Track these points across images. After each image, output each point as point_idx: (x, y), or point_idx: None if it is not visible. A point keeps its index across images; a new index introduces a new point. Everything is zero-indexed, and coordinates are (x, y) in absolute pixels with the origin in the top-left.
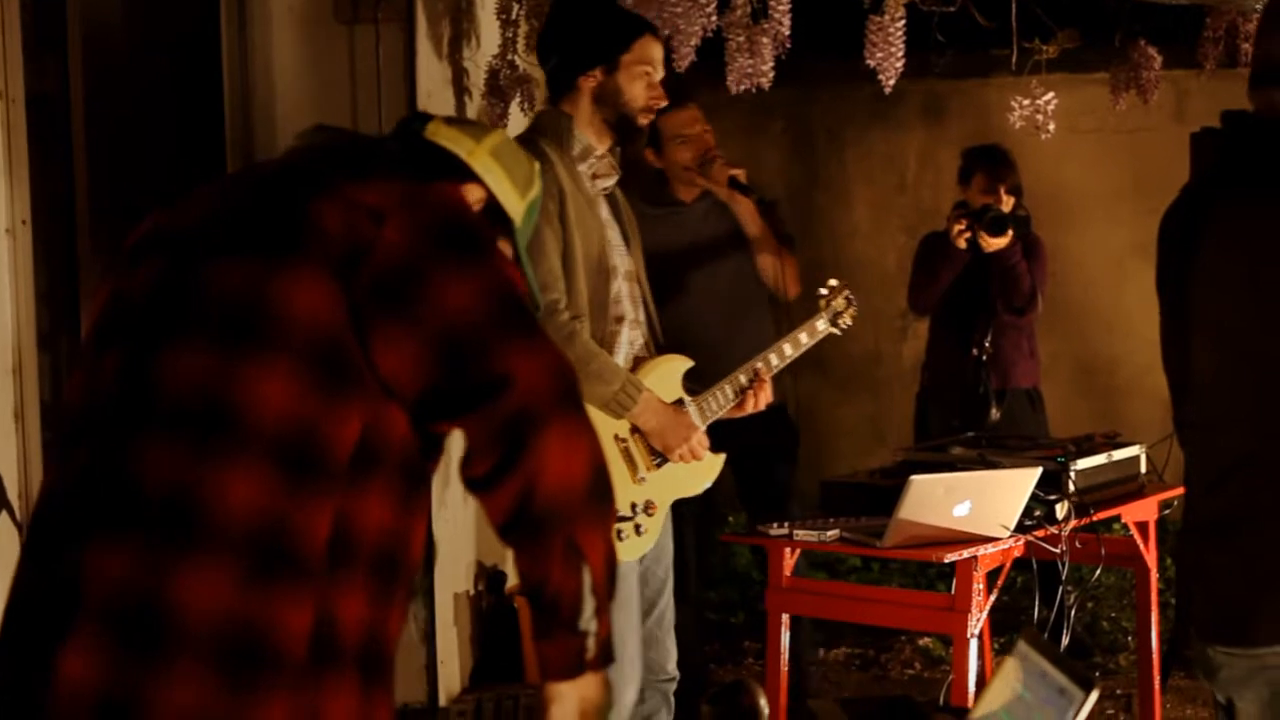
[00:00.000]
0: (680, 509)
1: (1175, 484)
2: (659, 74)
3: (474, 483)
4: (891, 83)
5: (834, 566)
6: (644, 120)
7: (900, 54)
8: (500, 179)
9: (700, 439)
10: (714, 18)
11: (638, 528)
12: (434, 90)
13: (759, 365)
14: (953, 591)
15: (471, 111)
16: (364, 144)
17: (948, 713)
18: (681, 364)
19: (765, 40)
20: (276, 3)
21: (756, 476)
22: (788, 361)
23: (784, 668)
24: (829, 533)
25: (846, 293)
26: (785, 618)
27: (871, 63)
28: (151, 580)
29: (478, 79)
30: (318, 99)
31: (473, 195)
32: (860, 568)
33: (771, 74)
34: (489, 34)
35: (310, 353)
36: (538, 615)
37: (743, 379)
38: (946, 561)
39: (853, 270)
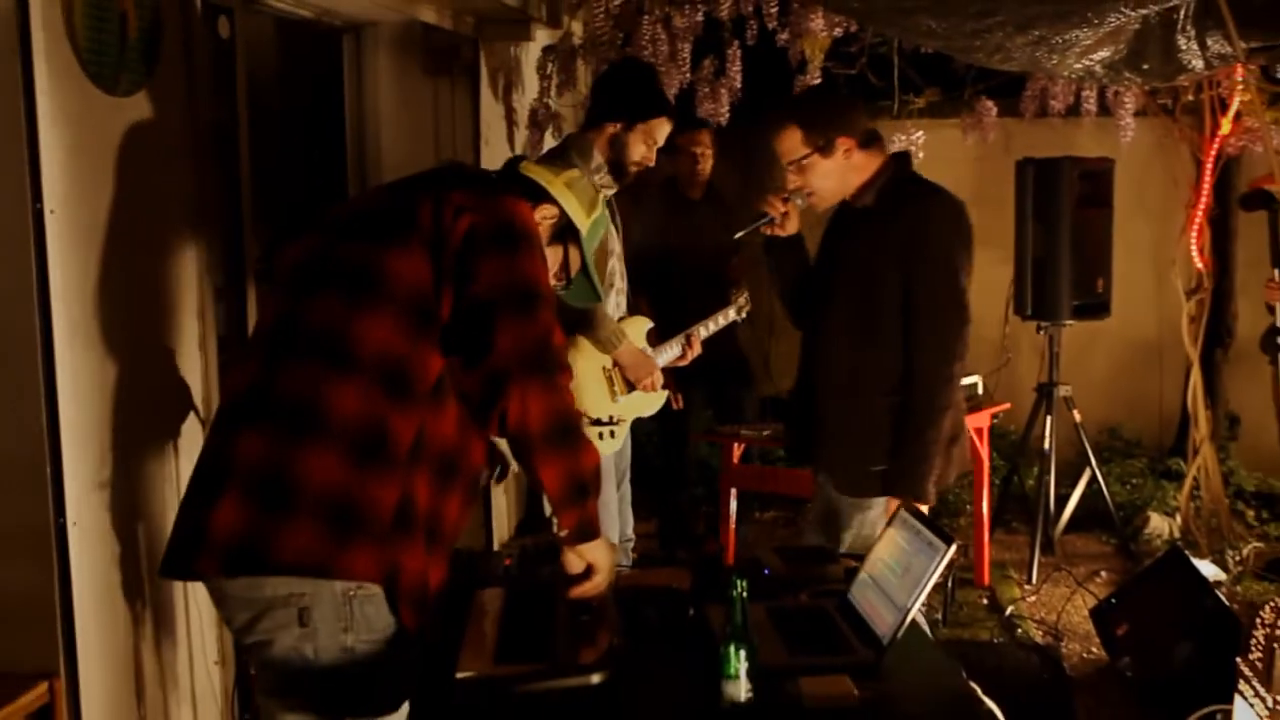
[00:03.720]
0: (682, 428)
1: (1002, 402)
2: (659, 144)
3: (471, 412)
4: None
5: (766, 456)
6: (632, 170)
7: None
8: (571, 202)
9: (657, 376)
10: (688, 74)
11: (612, 433)
12: (491, 123)
13: (691, 333)
14: None
15: (518, 139)
16: (472, 171)
17: (848, 557)
18: (645, 323)
19: (723, 90)
20: (386, 58)
21: (722, 397)
22: (710, 334)
23: (732, 525)
24: (764, 432)
25: (746, 293)
26: (734, 491)
27: None
28: (282, 458)
29: (522, 116)
30: (410, 130)
31: (549, 213)
32: (783, 456)
33: (727, 113)
34: (530, 83)
35: (407, 305)
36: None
37: (683, 340)
38: None
39: None
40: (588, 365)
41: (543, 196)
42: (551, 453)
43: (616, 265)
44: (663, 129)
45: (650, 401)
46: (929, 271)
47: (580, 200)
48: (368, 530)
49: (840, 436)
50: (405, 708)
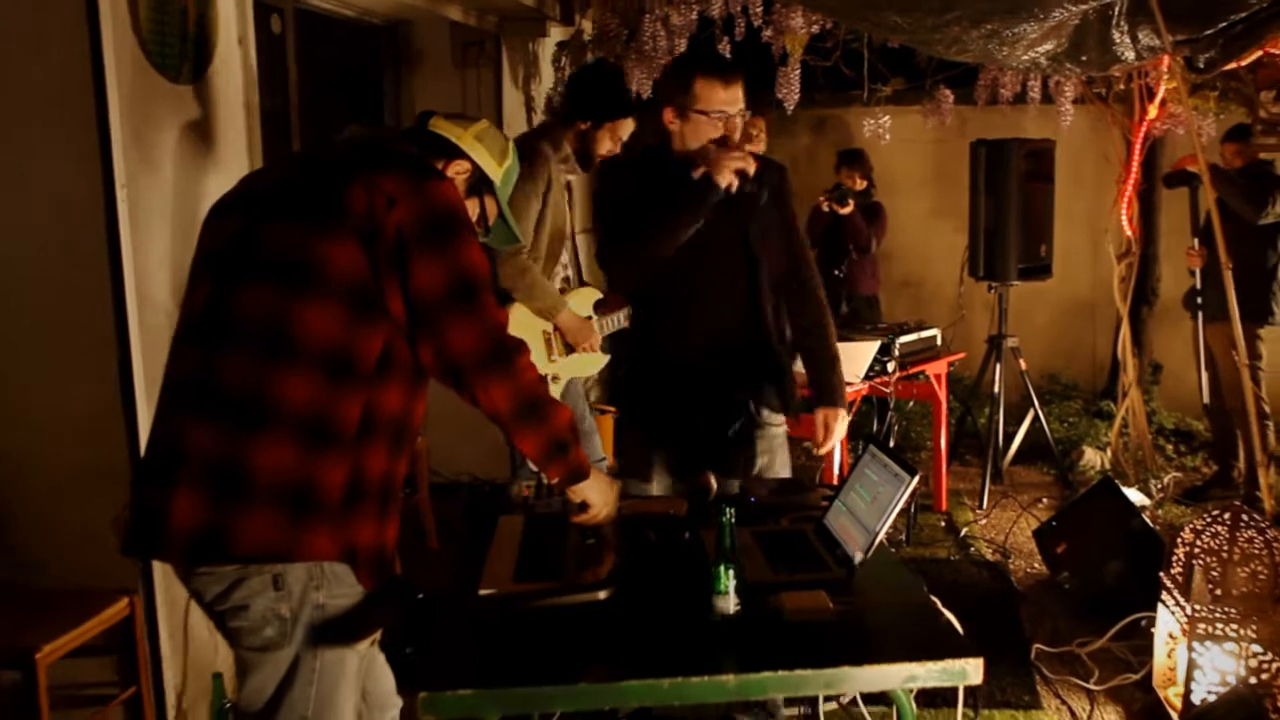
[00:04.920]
0: None
1: (958, 352)
2: (624, 139)
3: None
4: (791, 108)
5: None
6: (597, 162)
7: (797, 91)
8: (482, 154)
9: (595, 340)
10: None
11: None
12: (513, 110)
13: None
14: None
15: (535, 123)
16: (386, 140)
17: (824, 487)
18: (594, 294)
19: None
20: (418, 52)
21: None
22: None
23: None
24: None
25: None
26: None
27: (779, 95)
28: (233, 449)
29: (539, 102)
30: None
31: (462, 168)
32: None
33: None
34: (546, 74)
35: (347, 294)
36: None
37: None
38: None
39: None
40: (527, 327)
41: (455, 153)
42: (523, 426)
43: (568, 244)
44: (627, 127)
45: (590, 362)
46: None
47: (491, 150)
48: (322, 512)
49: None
50: (375, 633)
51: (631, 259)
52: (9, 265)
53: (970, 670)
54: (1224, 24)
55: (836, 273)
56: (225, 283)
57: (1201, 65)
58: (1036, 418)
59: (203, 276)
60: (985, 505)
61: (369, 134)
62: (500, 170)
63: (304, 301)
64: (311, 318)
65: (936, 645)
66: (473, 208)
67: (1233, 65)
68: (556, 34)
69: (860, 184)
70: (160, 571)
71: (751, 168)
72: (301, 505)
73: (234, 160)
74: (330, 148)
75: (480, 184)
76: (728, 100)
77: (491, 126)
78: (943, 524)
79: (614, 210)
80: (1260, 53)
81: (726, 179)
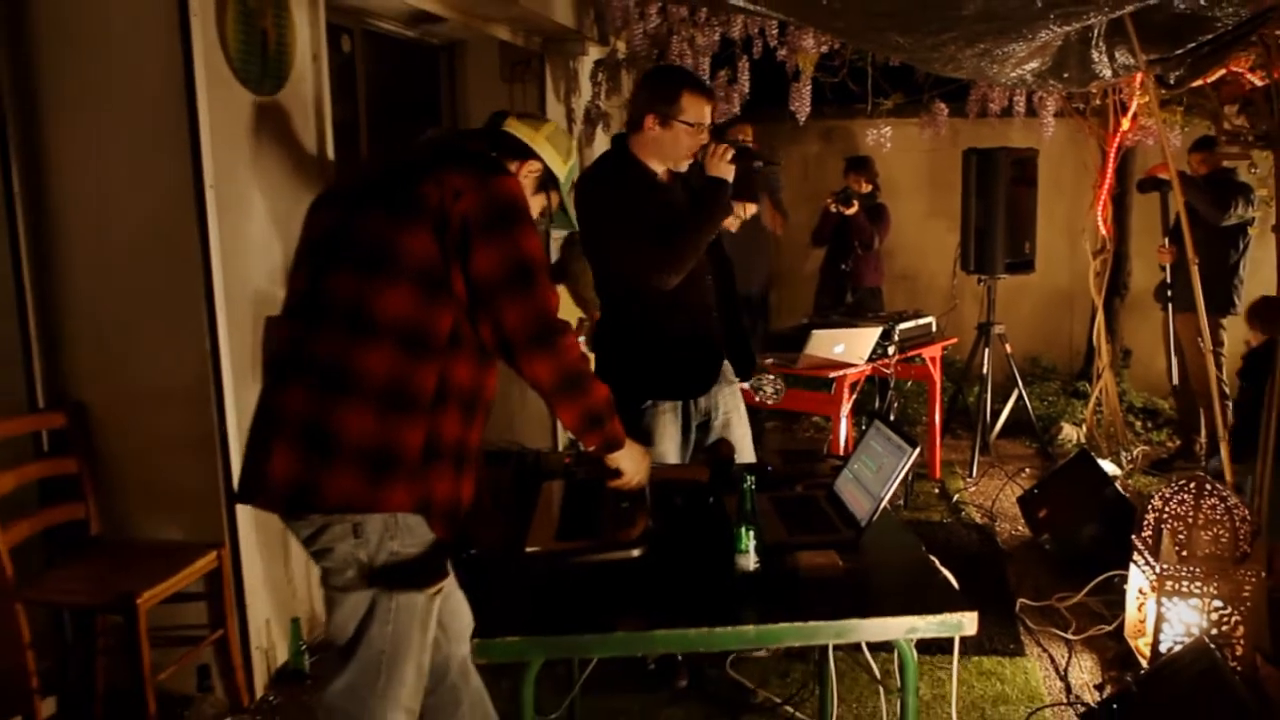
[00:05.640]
0: None
1: (950, 337)
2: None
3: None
4: (803, 119)
5: None
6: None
7: (808, 104)
8: (551, 155)
9: None
10: (708, 81)
11: None
12: (554, 120)
13: None
14: (832, 392)
15: (574, 133)
16: (463, 140)
17: (833, 458)
18: None
19: (735, 94)
20: (472, 69)
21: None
22: None
23: None
24: (768, 360)
25: None
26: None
27: (793, 108)
28: (322, 413)
29: (579, 114)
30: None
31: (534, 168)
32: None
33: (738, 111)
34: (585, 89)
35: (419, 277)
36: None
37: None
38: (830, 376)
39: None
40: (566, 313)
41: (527, 154)
42: (563, 399)
43: None
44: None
45: None
46: None
47: (559, 151)
48: (401, 468)
49: None
50: (443, 581)
51: (686, 269)
52: (121, 252)
53: (966, 622)
54: (1192, 44)
55: (843, 266)
56: (321, 267)
57: (1172, 82)
58: (1020, 396)
59: (304, 262)
60: (974, 474)
61: (447, 135)
62: (565, 169)
63: (382, 284)
64: (389, 298)
65: (935, 600)
66: (539, 202)
67: (1200, 82)
68: (594, 53)
69: (866, 187)
70: (244, 528)
71: (732, 151)
72: (381, 464)
73: (308, 164)
74: (412, 149)
75: (548, 181)
76: (706, 116)
77: (560, 128)
78: (936, 491)
79: (640, 231)
80: (1224, 70)
81: (726, 171)
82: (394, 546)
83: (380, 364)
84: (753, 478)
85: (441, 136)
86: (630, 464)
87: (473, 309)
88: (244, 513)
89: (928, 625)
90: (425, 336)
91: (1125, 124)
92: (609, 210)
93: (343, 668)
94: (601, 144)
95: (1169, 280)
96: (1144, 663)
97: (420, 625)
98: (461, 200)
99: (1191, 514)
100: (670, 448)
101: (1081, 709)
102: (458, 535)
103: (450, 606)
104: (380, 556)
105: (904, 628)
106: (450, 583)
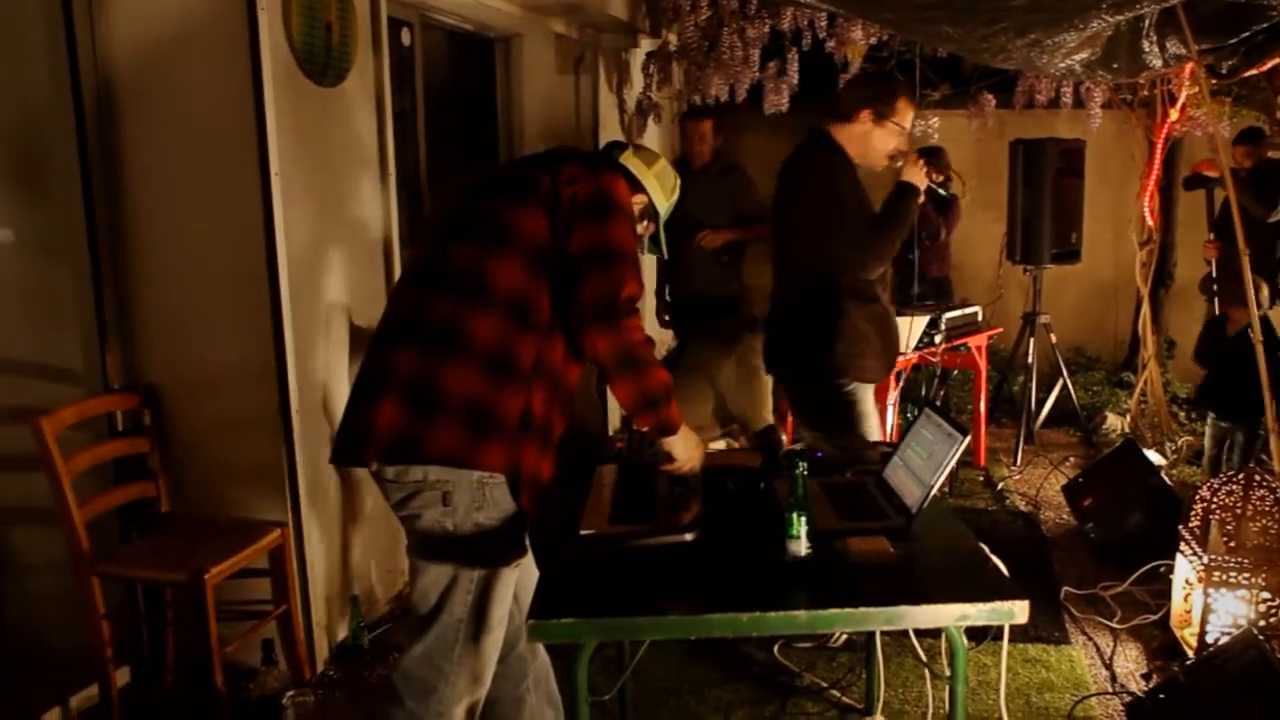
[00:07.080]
0: None
1: (996, 327)
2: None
3: (569, 342)
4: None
5: None
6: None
7: None
8: (656, 191)
9: None
10: (757, 73)
11: None
12: (606, 112)
13: None
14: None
15: (627, 122)
16: (582, 152)
17: (883, 445)
18: None
19: (784, 86)
20: (528, 61)
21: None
22: None
23: (791, 421)
24: None
25: None
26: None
27: None
28: (431, 371)
29: (630, 105)
30: (546, 116)
31: (640, 200)
32: None
33: (787, 104)
34: (637, 80)
35: (530, 253)
36: None
37: None
38: None
39: None
40: None
41: (638, 187)
42: (620, 376)
43: None
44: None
45: None
46: None
47: (664, 187)
48: (499, 430)
49: None
50: (520, 561)
51: (889, 260)
52: (191, 240)
53: (1017, 610)
54: (1246, 34)
55: (910, 256)
56: (443, 240)
57: (1224, 72)
58: (1064, 386)
59: (427, 238)
60: (1019, 462)
61: (567, 148)
62: (666, 204)
63: (498, 257)
64: (504, 269)
65: (986, 588)
66: (642, 229)
67: (1253, 71)
68: (646, 45)
69: (937, 178)
70: (307, 505)
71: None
72: (482, 423)
73: (369, 152)
74: (538, 153)
75: (650, 212)
76: (910, 122)
77: (667, 166)
78: (981, 478)
79: (858, 221)
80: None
81: (923, 180)
82: (479, 518)
83: (490, 330)
84: (804, 464)
85: (562, 147)
86: (683, 449)
87: (561, 283)
88: (305, 493)
89: (979, 613)
90: (531, 311)
91: (1173, 115)
92: (834, 195)
93: (421, 635)
94: (652, 135)
95: (1214, 274)
96: (1190, 653)
97: (499, 597)
98: (573, 186)
99: (1241, 505)
100: (874, 425)
101: (1127, 698)
102: (537, 510)
103: (525, 580)
104: (466, 526)
105: (955, 615)
106: (528, 558)
